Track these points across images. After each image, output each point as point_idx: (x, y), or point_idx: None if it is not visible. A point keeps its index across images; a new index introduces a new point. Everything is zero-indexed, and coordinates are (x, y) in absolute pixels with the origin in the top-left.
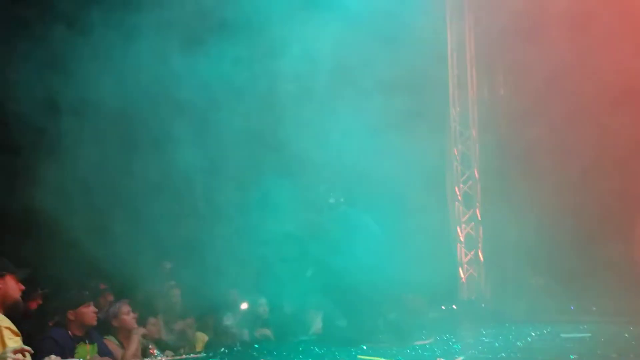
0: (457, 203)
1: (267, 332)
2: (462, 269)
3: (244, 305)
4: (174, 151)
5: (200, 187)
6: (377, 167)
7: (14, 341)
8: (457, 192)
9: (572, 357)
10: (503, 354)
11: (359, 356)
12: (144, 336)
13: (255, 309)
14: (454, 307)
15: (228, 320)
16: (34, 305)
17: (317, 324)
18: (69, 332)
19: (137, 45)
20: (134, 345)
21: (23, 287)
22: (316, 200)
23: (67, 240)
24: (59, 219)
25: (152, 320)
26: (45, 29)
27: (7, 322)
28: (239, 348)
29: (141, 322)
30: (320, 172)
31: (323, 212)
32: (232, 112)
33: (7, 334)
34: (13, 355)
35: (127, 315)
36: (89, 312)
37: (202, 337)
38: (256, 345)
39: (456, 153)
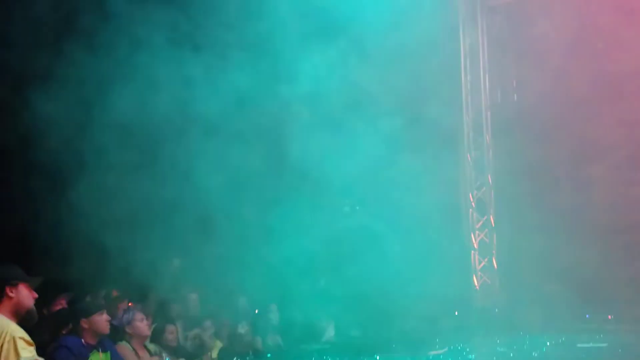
0: (470, 210)
1: (280, 340)
2: (476, 277)
3: (257, 313)
4: (196, 169)
5: (220, 203)
6: (391, 176)
7: (28, 351)
8: (471, 199)
9: None
10: None
11: None
12: (160, 343)
13: (268, 317)
14: (467, 315)
15: (242, 329)
16: (58, 309)
17: (329, 333)
18: (83, 340)
19: (160, 67)
20: (144, 355)
21: (36, 296)
22: (330, 209)
23: (88, 248)
24: (80, 228)
25: (169, 327)
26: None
27: (21, 332)
28: (252, 357)
29: (159, 328)
30: (335, 182)
31: (337, 221)
32: (252, 134)
33: (20, 344)
34: None
35: (141, 322)
36: (102, 321)
37: (216, 344)
38: (268, 355)
39: (469, 159)
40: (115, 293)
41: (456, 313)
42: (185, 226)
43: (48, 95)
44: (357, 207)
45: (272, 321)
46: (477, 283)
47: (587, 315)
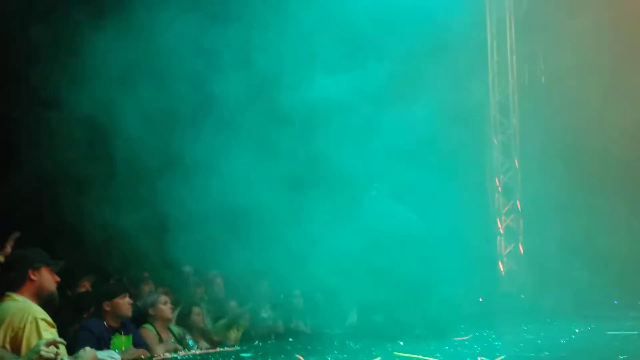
0: (497, 194)
1: (302, 324)
2: (502, 262)
3: (281, 298)
4: (221, 155)
5: (245, 189)
6: (418, 159)
7: (49, 332)
8: (497, 184)
9: (620, 357)
10: (546, 352)
11: (395, 353)
12: (185, 326)
13: (291, 301)
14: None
15: (265, 313)
16: (82, 291)
17: (352, 318)
18: (105, 323)
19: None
20: (169, 337)
21: (58, 279)
22: (357, 194)
23: (115, 231)
24: (105, 214)
25: (195, 309)
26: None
27: (42, 314)
28: (274, 341)
29: (184, 311)
30: (361, 167)
31: (364, 205)
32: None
33: (42, 325)
34: (45, 348)
35: (165, 305)
36: (125, 304)
37: (239, 328)
38: (290, 339)
39: (496, 142)
40: (146, 275)
41: (480, 300)
42: (210, 211)
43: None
44: (384, 192)
45: (295, 306)
46: (503, 268)
47: (615, 302)
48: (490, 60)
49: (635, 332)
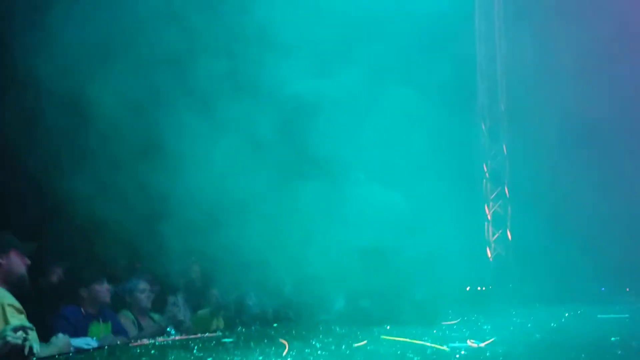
0: (484, 180)
1: (289, 312)
2: (490, 248)
3: (265, 286)
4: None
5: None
6: (405, 143)
7: (17, 319)
8: (485, 169)
9: (613, 339)
10: (537, 335)
11: (382, 336)
12: (164, 314)
13: (276, 288)
14: (482, 288)
15: (249, 300)
16: (54, 278)
17: (339, 304)
18: (82, 309)
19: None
20: (147, 323)
21: (29, 262)
22: (344, 178)
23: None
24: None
25: (171, 299)
26: None
27: (10, 299)
28: (258, 327)
29: (161, 300)
30: (347, 151)
31: (350, 188)
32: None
33: (9, 311)
34: (13, 334)
35: (142, 293)
36: (103, 290)
37: (220, 318)
38: (275, 325)
39: (484, 128)
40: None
41: (467, 288)
42: (193, 199)
43: None
44: (371, 176)
45: (283, 293)
46: (491, 254)
47: (602, 288)
48: (478, 46)
49: (626, 315)
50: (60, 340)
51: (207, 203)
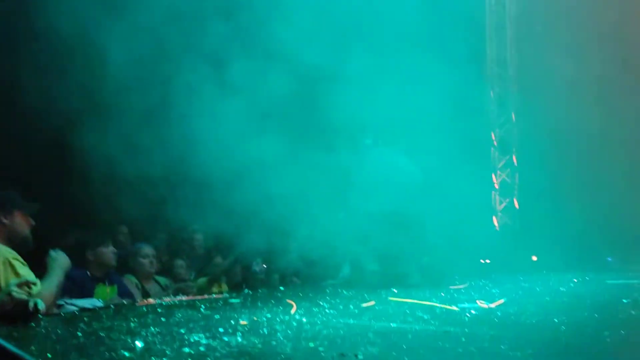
0: (492, 149)
1: (295, 278)
2: (497, 217)
3: (273, 251)
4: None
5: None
6: (415, 109)
7: (25, 270)
8: (493, 137)
9: (625, 300)
10: (547, 298)
11: (389, 298)
12: (171, 278)
13: (283, 254)
14: (487, 261)
15: (256, 266)
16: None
17: (345, 270)
18: (88, 272)
19: None
20: (152, 287)
21: (33, 223)
22: (352, 142)
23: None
24: (92, 161)
25: (179, 262)
26: None
27: (13, 254)
28: (264, 290)
29: (167, 265)
30: (356, 116)
31: (359, 153)
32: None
33: (16, 264)
34: (17, 289)
35: (144, 258)
36: (108, 253)
37: (222, 283)
38: (281, 288)
39: (492, 95)
40: (124, 229)
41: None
42: (200, 164)
43: None
44: (379, 141)
45: (287, 259)
46: (498, 224)
47: (609, 258)
48: (488, 11)
49: (636, 281)
50: (61, 256)
51: (210, 171)
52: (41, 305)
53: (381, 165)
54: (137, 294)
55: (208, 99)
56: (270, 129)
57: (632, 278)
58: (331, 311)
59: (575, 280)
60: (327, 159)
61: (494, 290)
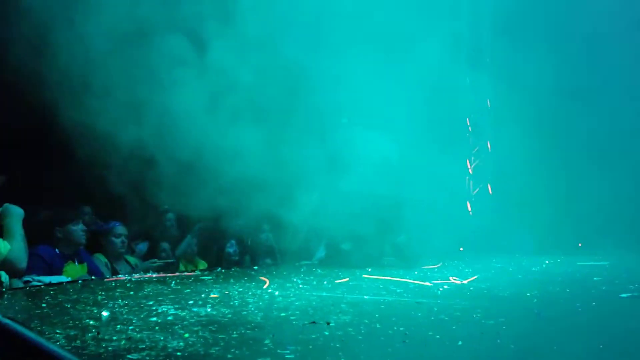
0: (467, 134)
1: (269, 259)
2: (470, 203)
3: (248, 233)
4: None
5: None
6: (392, 91)
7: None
8: (468, 123)
9: (595, 278)
10: (519, 276)
11: (363, 275)
12: (141, 258)
13: (259, 237)
14: (460, 249)
15: (230, 247)
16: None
17: (321, 253)
18: (57, 250)
19: None
20: (122, 267)
21: None
22: (328, 122)
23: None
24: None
25: (163, 244)
26: None
27: None
28: (237, 270)
29: (140, 246)
30: (331, 95)
31: (334, 133)
32: None
33: None
34: None
35: (117, 237)
36: (78, 230)
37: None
38: (255, 267)
39: (468, 81)
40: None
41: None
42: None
43: None
44: (355, 120)
45: (262, 240)
46: (471, 208)
47: (579, 244)
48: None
49: (606, 263)
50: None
51: (186, 150)
52: (5, 278)
53: (357, 146)
54: (106, 273)
55: (187, 81)
56: (247, 110)
57: (601, 261)
58: (305, 286)
59: (547, 261)
60: (302, 139)
61: (466, 270)
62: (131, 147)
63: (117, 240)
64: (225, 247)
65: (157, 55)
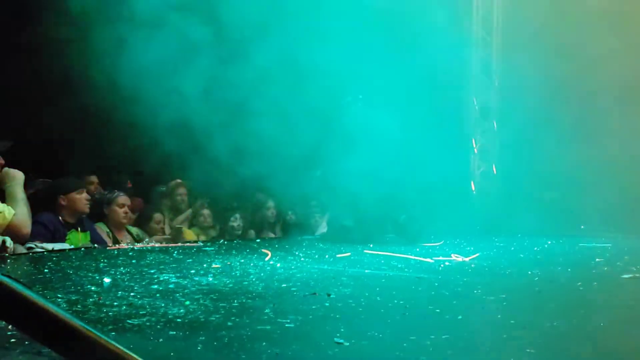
0: (473, 113)
1: (272, 234)
2: (474, 182)
3: (252, 207)
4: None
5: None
6: (397, 69)
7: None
8: (475, 103)
9: (597, 259)
10: (521, 255)
11: (365, 251)
12: (145, 230)
13: (263, 211)
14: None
15: (234, 222)
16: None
17: (323, 229)
18: (60, 218)
19: None
20: (124, 237)
21: (2, 162)
22: (331, 99)
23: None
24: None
25: (157, 216)
26: None
27: None
28: (240, 242)
29: (146, 216)
30: (334, 72)
31: (338, 110)
32: None
33: None
34: None
35: (121, 207)
36: (82, 199)
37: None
38: (257, 240)
39: (475, 61)
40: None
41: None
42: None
43: None
44: (360, 97)
45: (265, 216)
46: (475, 188)
47: (582, 226)
48: None
49: (609, 245)
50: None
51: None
52: (10, 243)
53: (360, 123)
54: (109, 242)
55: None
56: (249, 83)
57: (604, 242)
58: (306, 259)
59: (549, 242)
60: (305, 116)
61: (468, 248)
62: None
63: (120, 210)
64: (229, 221)
65: None
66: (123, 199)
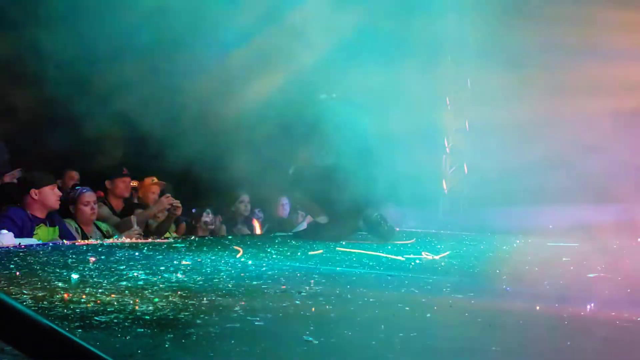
0: (445, 112)
1: (246, 230)
2: (446, 181)
3: (226, 204)
4: None
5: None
6: (369, 62)
7: None
8: (447, 102)
9: (565, 258)
10: (490, 254)
11: (337, 248)
12: (115, 226)
13: (237, 207)
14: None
15: (207, 217)
16: (7, 179)
17: (302, 226)
18: (29, 212)
19: None
20: (93, 233)
21: None
22: (305, 96)
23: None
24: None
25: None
26: None
27: None
28: (211, 238)
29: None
30: (309, 69)
31: (312, 107)
32: None
33: None
34: None
35: (86, 205)
36: (53, 194)
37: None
38: (229, 237)
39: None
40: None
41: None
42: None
43: None
44: (334, 95)
45: (240, 211)
46: (446, 187)
47: (550, 226)
48: None
49: (576, 244)
50: (4, 236)
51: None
52: None
53: (334, 121)
54: (77, 238)
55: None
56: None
57: (572, 243)
58: (278, 256)
59: (518, 241)
60: (279, 113)
61: (439, 246)
62: None
63: (86, 208)
64: (202, 216)
65: None
66: (87, 195)
